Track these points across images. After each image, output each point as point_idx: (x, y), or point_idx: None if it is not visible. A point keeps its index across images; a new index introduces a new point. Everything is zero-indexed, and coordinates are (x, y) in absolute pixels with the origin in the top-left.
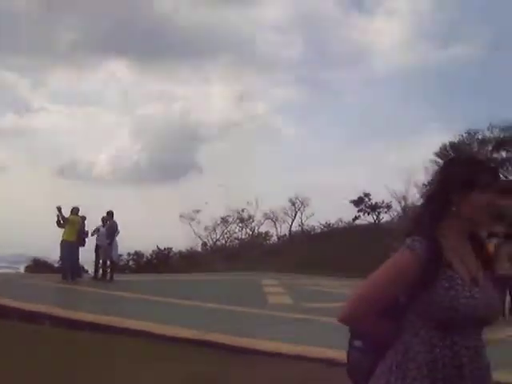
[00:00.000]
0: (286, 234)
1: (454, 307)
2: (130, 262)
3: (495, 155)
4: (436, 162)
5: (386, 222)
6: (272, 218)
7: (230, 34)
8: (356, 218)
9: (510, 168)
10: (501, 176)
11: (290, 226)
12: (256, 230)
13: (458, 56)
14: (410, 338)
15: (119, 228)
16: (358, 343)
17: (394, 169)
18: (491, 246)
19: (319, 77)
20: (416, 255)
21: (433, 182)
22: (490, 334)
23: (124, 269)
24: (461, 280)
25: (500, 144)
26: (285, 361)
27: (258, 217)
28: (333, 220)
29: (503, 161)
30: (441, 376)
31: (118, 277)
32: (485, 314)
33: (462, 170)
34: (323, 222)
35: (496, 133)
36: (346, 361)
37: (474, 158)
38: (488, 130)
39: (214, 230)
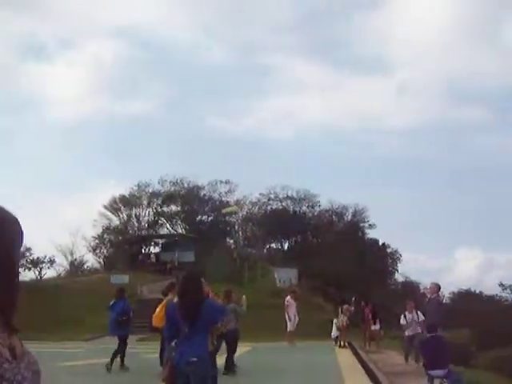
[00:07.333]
0: None
1: None
2: None
3: (165, 208)
4: (105, 215)
5: (51, 277)
6: None
7: None
8: None
9: (178, 221)
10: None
11: None
12: None
13: (136, 111)
14: None
15: None
16: None
17: (62, 222)
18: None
19: None
20: None
21: None
22: None
23: None
24: None
25: (169, 197)
26: None
27: None
28: None
29: (172, 214)
30: None
31: None
32: None
33: None
34: None
35: (166, 186)
36: None
37: None
38: (159, 183)
39: None
